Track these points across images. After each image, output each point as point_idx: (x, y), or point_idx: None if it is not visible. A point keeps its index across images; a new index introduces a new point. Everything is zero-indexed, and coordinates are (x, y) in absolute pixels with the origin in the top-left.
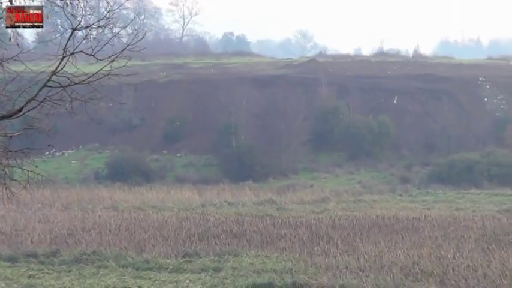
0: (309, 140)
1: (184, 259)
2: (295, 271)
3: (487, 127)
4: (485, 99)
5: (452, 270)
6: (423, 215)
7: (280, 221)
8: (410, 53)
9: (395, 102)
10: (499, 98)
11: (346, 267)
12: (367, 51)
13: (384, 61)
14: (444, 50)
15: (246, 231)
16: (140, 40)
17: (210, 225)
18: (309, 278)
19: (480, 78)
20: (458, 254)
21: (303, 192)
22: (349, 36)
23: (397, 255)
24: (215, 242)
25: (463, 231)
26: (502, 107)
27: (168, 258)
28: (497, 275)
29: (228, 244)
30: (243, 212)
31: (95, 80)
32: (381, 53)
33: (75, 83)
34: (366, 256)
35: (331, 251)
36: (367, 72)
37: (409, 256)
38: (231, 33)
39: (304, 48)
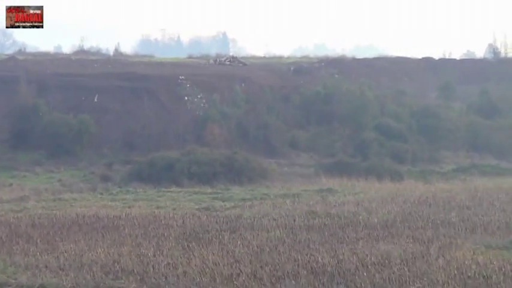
0: (7, 139)
1: None
2: None
3: (187, 125)
4: (186, 98)
5: (153, 268)
6: (124, 214)
7: None
8: (111, 52)
9: (95, 100)
10: (199, 96)
11: (46, 266)
12: (67, 49)
13: (84, 59)
14: (145, 49)
15: None
16: None
17: None
18: (8, 277)
19: (181, 77)
20: (158, 252)
21: (1, 191)
22: (48, 34)
23: (97, 253)
24: None
25: (164, 230)
26: (202, 105)
27: None
28: (197, 273)
29: None
30: None
31: None
32: (81, 51)
33: None
34: (66, 255)
35: (31, 250)
36: (67, 70)
37: (109, 254)
38: None
39: (3, 46)
